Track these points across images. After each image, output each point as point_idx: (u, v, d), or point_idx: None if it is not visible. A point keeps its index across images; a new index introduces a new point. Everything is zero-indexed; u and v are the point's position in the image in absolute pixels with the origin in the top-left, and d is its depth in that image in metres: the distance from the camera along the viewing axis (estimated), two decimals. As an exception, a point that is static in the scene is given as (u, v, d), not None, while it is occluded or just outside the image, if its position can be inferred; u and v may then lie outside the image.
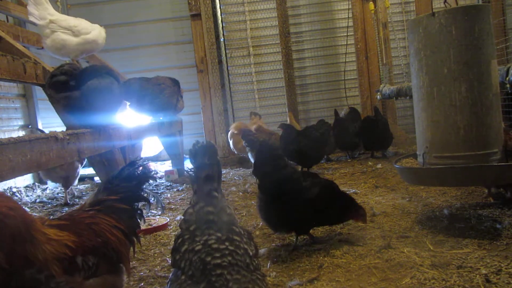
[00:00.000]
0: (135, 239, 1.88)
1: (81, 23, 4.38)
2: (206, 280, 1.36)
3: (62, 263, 1.42)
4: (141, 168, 1.93)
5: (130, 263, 1.82)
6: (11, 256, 1.32)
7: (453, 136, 2.64)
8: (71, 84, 3.20)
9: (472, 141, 2.61)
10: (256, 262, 1.50)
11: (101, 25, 4.74)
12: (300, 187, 2.62)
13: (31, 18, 4.19)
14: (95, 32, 4.49)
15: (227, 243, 1.44)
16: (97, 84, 3.26)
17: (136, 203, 1.91)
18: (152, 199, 1.97)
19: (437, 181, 2.82)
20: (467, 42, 2.57)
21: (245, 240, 1.51)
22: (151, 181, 1.97)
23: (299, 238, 2.76)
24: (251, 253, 1.47)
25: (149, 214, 3.54)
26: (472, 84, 2.58)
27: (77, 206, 1.87)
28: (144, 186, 1.94)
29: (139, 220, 1.91)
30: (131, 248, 1.85)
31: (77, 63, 4.60)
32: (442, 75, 2.63)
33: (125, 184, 1.87)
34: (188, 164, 6.74)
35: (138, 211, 1.91)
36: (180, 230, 1.57)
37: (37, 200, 5.00)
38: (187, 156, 6.47)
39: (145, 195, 1.94)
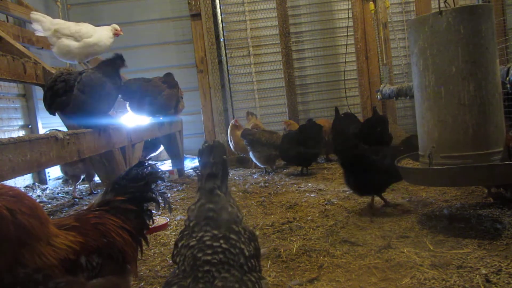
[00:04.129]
0: (142, 240, 1.87)
1: (82, 29, 4.59)
2: (193, 275, 1.35)
3: (64, 264, 1.41)
4: (149, 168, 1.92)
5: (137, 264, 1.81)
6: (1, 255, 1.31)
7: (462, 135, 2.63)
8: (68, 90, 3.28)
9: (481, 140, 2.60)
10: (254, 263, 1.47)
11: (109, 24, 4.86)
12: (369, 162, 3.35)
13: (39, 34, 4.50)
14: (97, 35, 4.66)
15: (221, 241, 1.43)
16: (90, 77, 3.29)
17: (144, 204, 1.89)
18: (160, 199, 1.96)
19: (448, 181, 2.77)
20: (475, 41, 2.56)
21: (243, 239, 1.49)
22: (159, 181, 1.96)
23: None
24: (247, 254, 1.45)
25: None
26: (480, 83, 2.58)
27: (84, 207, 1.86)
28: (152, 186, 1.92)
29: (147, 221, 1.89)
30: (139, 249, 1.84)
31: (85, 65, 4.66)
32: (450, 74, 2.61)
33: (132, 185, 1.86)
34: (189, 164, 6.75)
35: (147, 212, 1.89)
36: (184, 226, 1.58)
37: (37, 200, 4.99)
38: (187, 156, 6.46)
39: (153, 195, 1.92)
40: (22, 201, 1.40)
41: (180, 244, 1.49)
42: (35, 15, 4.45)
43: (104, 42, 4.70)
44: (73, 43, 4.46)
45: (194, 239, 1.45)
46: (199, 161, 1.64)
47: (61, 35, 4.43)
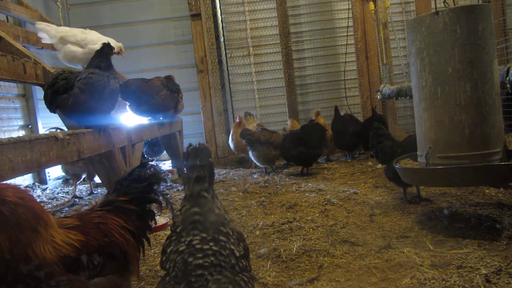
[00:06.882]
0: (145, 241, 1.87)
1: (87, 37, 4.65)
2: (186, 280, 1.35)
3: (64, 262, 1.42)
4: (151, 169, 1.93)
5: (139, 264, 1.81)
6: (15, 245, 1.32)
7: (458, 135, 2.62)
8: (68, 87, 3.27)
9: (477, 140, 2.60)
10: (244, 263, 1.48)
11: (117, 41, 4.84)
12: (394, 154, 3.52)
13: (45, 41, 4.61)
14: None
15: (211, 244, 1.43)
16: (89, 76, 3.28)
17: (147, 205, 1.90)
18: (161, 199, 1.97)
19: (444, 181, 2.77)
20: (471, 41, 2.56)
21: (232, 240, 1.49)
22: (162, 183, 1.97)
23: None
24: (237, 254, 1.45)
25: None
26: (477, 84, 2.57)
27: (84, 207, 1.87)
28: (155, 187, 1.93)
29: (149, 222, 1.89)
30: (141, 250, 1.84)
31: None
32: (446, 75, 2.61)
33: (135, 185, 1.88)
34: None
35: (150, 213, 1.90)
36: (170, 231, 1.58)
37: (37, 200, 4.99)
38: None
39: (155, 196, 1.93)
40: (26, 192, 1.46)
41: (168, 250, 1.48)
42: (40, 24, 4.56)
43: None
44: (78, 49, 4.54)
45: (183, 244, 1.45)
46: (184, 164, 1.63)
47: (67, 42, 4.51)
